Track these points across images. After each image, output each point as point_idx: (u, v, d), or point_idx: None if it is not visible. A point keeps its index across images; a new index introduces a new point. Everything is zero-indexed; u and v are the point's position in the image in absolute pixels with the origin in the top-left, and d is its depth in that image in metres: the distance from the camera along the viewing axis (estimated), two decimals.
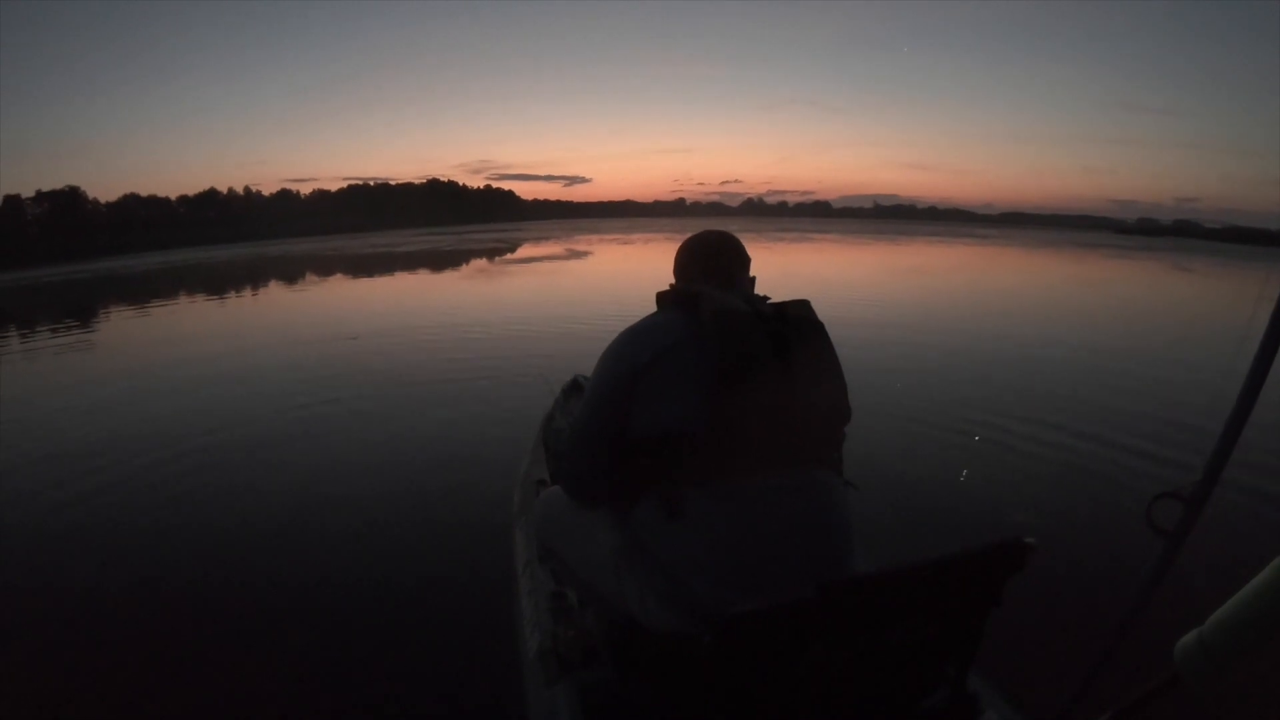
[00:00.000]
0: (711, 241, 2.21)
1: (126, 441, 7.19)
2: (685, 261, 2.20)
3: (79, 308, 23.84)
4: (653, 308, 2.03)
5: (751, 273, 2.22)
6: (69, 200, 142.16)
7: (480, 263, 35.38)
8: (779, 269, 25.72)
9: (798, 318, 1.92)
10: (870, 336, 10.54)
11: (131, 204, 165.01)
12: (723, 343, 1.78)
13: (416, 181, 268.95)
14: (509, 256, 39.88)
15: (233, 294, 24.41)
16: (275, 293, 24.67)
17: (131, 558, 4.65)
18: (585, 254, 40.45)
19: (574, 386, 4.53)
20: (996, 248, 53.15)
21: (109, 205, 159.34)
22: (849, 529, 1.91)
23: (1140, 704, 1.71)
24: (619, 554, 1.95)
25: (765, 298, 2.04)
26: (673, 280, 2.20)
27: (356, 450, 6.53)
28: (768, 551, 1.78)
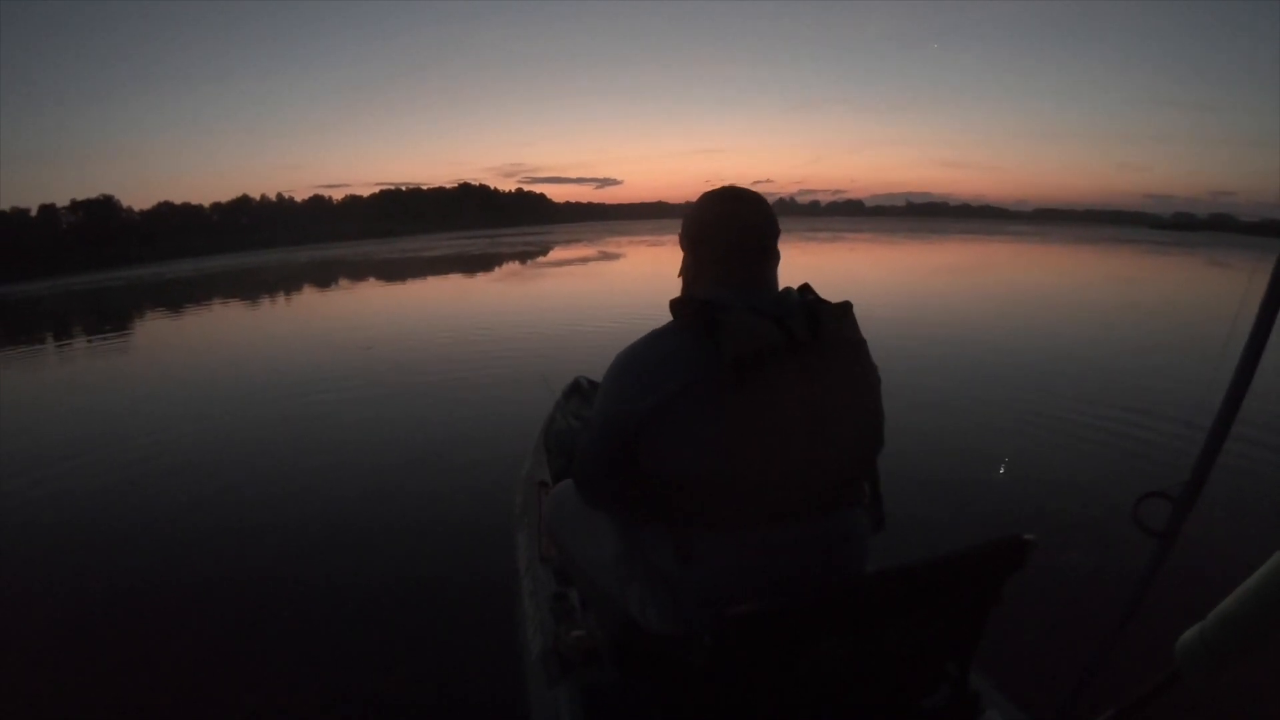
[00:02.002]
0: (737, 226, 1.80)
1: (126, 443, 7.37)
2: (703, 250, 1.83)
3: (107, 314, 24.46)
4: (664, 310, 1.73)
5: (781, 264, 1.83)
6: (103, 209, 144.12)
7: (503, 267, 35.56)
8: (808, 271, 25.70)
9: (835, 338, 1.69)
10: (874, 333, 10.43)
11: (165, 211, 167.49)
12: (744, 388, 1.58)
13: (448, 186, 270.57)
14: (534, 260, 39.80)
15: (256, 302, 24.60)
16: (297, 300, 24.79)
17: (133, 556, 4.73)
18: (611, 256, 40.36)
19: (574, 388, 4.53)
20: (1027, 245, 52.54)
21: (143, 213, 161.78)
22: (863, 570, 1.84)
23: (1142, 701, 1.71)
24: (622, 559, 1.93)
25: (799, 291, 1.79)
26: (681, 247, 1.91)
27: (359, 454, 6.59)
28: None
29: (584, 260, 38.24)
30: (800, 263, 30.00)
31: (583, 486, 1.96)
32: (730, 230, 1.81)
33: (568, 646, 2.29)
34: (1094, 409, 7.40)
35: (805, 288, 1.81)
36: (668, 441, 1.66)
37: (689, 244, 1.88)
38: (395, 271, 34.99)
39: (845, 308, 1.76)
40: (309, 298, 25.41)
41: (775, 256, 1.85)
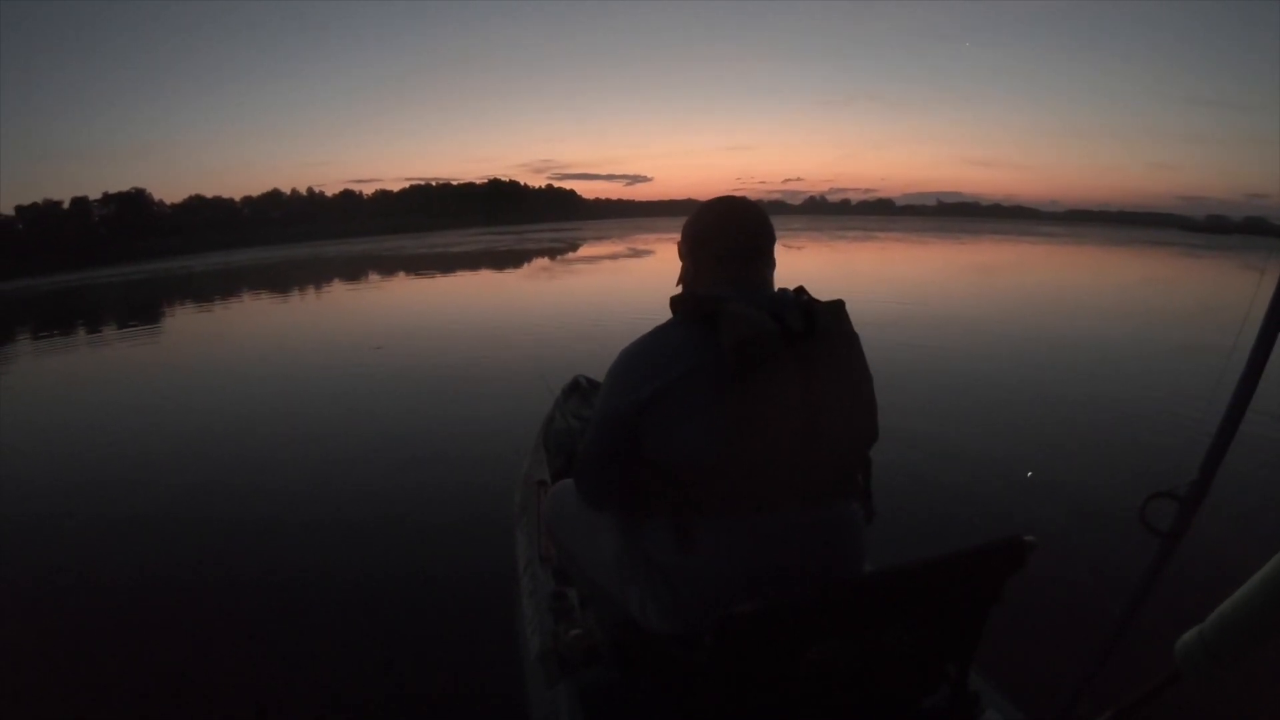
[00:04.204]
0: (736, 230, 1.88)
1: (129, 440, 7.56)
2: (704, 252, 1.91)
3: (129, 308, 24.84)
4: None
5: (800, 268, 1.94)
6: (135, 202, 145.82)
7: (524, 264, 35.36)
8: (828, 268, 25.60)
9: (829, 331, 1.76)
10: (878, 335, 10.46)
11: (196, 205, 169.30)
12: (744, 375, 1.63)
13: (478, 181, 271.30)
14: (556, 257, 39.59)
15: (277, 298, 24.68)
16: (318, 297, 24.82)
17: (132, 551, 4.78)
18: (634, 254, 39.96)
19: (574, 387, 4.55)
20: (1056, 247, 51.67)
21: (174, 206, 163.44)
22: (862, 564, 1.87)
23: (1141, 702, 1.71)
24: (623, 559, 1.94)
25: (793, 292, 1.85)
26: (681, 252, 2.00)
27: (359, 452, 6.61)
28: (780, 589, 1.71)
29: (606, 258, 38.21)
30: (830, 259, 30.08)
31: (583, 481, 1.99)
32: (728, 234, 1.89)
33: (567, 646, 2.28)
34: (1099, 409, 7.46)
35: (800, 289, 1.86)
36: (669, 426, 1.71)
37: (688, 248, 1.97)
38: (419, 267, 35.11)
39: (838, 305, 1.80)
40: (329, 294, 25.46)
41: (771, 260, 1.93)
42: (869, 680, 1.75)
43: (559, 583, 2.72)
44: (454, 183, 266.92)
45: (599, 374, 1.98)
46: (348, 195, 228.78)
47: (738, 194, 1.97)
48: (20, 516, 5.48)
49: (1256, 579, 1.45)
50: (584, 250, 44.55)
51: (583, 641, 2.27)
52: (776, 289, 1.87)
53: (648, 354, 1.76)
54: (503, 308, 17.47)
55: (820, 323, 1.74)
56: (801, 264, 27.58)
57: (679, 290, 1.92)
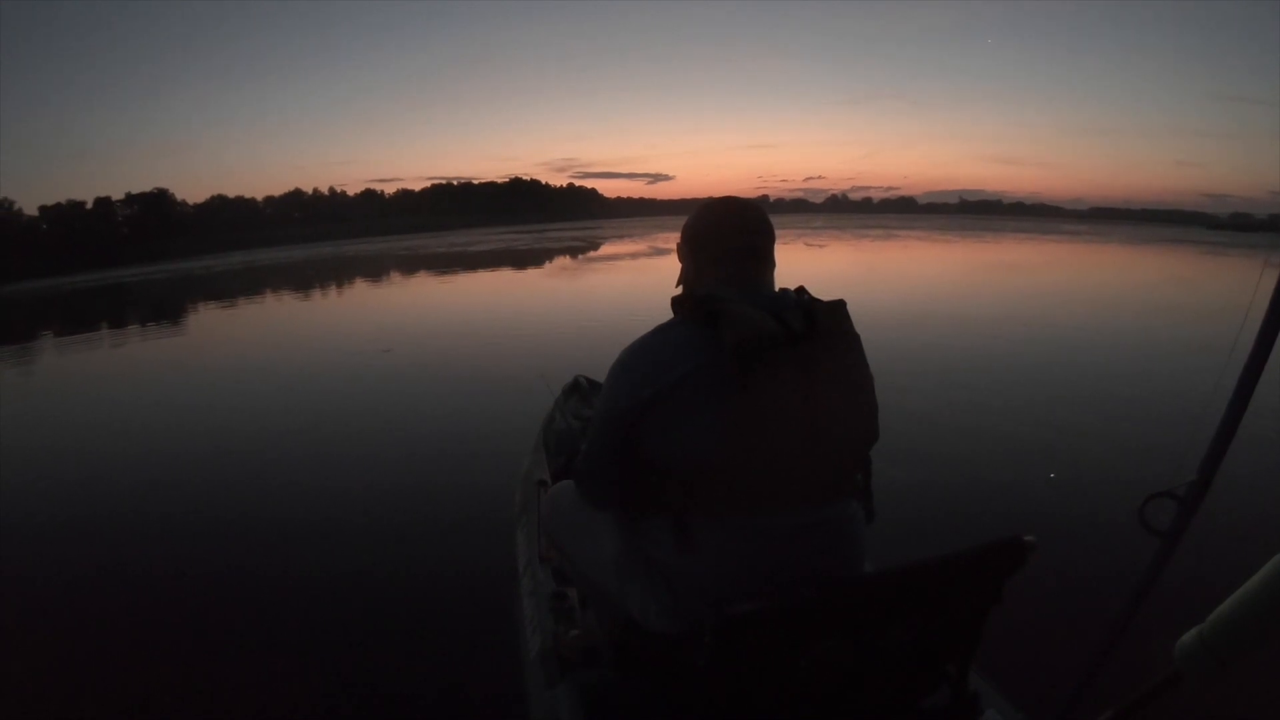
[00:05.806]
0: (735, 230, 1.89)
1: (131, 439, 7.69)
2: (703, 253, 1.91)
3: (141, 308, 25.23)
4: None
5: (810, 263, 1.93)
6: (157, 202, 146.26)
7: (538, 265, 35.32)
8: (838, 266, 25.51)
9: (830, 332, 1.75)
10: (884, 335, 10.35)
11: (218, 205, 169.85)
12: (746, 375, 1.62)
13: (499, 180, 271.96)
14: (571, 257, 39.38)
15: (291, 300, 24.76)
16: (332, 298, 25.02)
17: (136, 550, 4.82)
18: (651, 253, 39.27)
19: (574, 387, 4.58)
20: (1076, 245, 50.95)
21: (196, 206, 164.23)
22: (862, 564, 1.86)
23: (1141, 703, 1.70)
24: (623, 559, 1.94)
25: (794, 292, 1.85)
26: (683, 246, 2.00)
27: (362, 452, 6.65)
28: (780, 589, 1.68)
29: (625, 256, 38.26)
30: (847, 257, 29.99)
31: (584, 481, 1.99)
32: (729, 235, 1.88)
33: (567, 646, 2.31)
34: (1101, 407, 7.47)
35: (801, 289, 1.86)
36: (670, 426, 1.70)
37: (689, 249, 1.97)
38: (435, 266, 35.30)
39: (839, 305, 1.79)
40: (345, 295, 25.73)
41: (771, 261, 1.92)
42: (869, 680, 1.76)
43: (559, 583, 2.73)
44: (475, 181, 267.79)
45: (599, 374, 1.98)
46: (370, 194, 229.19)
47: (751, 194, 1.99)
48: (16, 518, 5.53)
49: (1256, 579, 1.44)
50: (603, 249, 44.46)
51: (583, 641, 2.29)
52: (778, 289, 1.86)
53: (649, 354, 1.75)
54: (508, 308, 17.56)
55: (821, 323, 1.73)
56: (818, 261, 27.49)
57: (679, 290, 1.91)
